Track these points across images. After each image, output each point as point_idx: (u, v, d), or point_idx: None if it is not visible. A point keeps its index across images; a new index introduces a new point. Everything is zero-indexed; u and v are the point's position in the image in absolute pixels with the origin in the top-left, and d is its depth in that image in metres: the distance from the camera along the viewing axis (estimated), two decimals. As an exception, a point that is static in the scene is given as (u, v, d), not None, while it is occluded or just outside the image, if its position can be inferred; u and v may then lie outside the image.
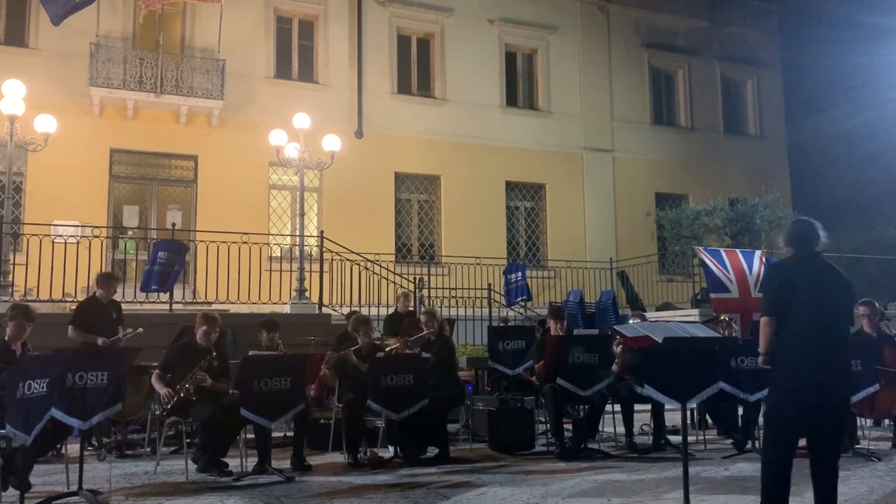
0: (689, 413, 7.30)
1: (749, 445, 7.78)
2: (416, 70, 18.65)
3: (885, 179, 22.21)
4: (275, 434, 7.27)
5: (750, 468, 6.75)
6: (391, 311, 11.47)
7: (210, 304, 12.42)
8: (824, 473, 4.49)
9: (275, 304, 12.29)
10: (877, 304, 8.58)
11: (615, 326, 8.14)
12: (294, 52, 17.59)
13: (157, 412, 6.94)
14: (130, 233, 15.50)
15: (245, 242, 12.03)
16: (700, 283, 14.98)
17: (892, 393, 7.96)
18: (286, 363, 6.85)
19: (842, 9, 21.45)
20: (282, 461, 6.98)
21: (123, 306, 8.84)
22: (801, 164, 22.88)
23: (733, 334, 9.77)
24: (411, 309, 11.62)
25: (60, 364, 5.42)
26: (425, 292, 14.10)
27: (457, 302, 14.17)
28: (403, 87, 18.33)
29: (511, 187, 19.11)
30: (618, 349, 8.46)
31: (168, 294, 11.50)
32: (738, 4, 22.50)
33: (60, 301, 11.03)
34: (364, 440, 7.65)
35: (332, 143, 13.57)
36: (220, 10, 15.31)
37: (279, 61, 17.27)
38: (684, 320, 9.90)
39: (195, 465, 6.57)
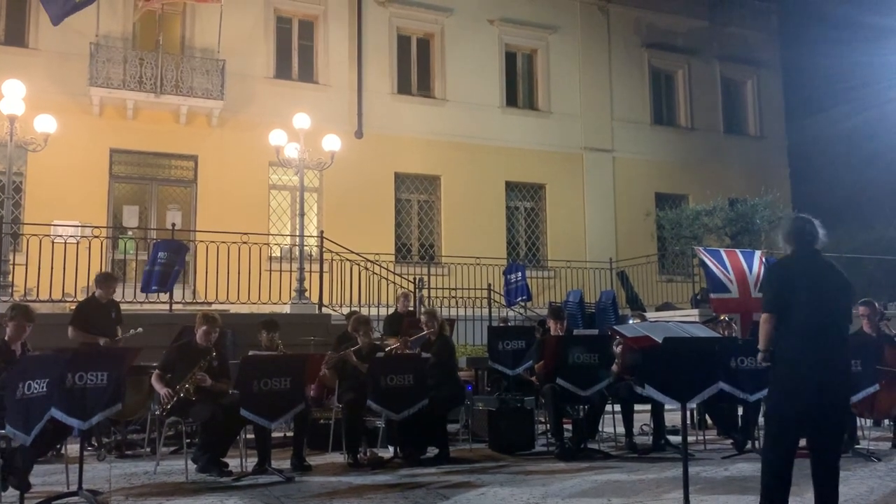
0: (688, 413, 7.30)
1: (749, 445, 7.78)
2: (415, 70, 18.65)
3: (885, 179, 22.21)
4: (275, 434, 7.27)
5: (750, 468, 6.75)
6: (391, 311, 11.48)
7: (210, 304, 12.42)
8: (825, 473, 4.49)
9: (275, 304, 12.29)
10: (876, 305, 8.58)
11: (615, 326, 8.15)
12: (294, 53, 17.59)
13: (157, 412, 6.94)
14: (130, 233, 15.50)
15: (245, 242, 12.03)
16: (700, 284, 14.98)
17: (892, 393, 7.96)
18: (286, 363, 6.85)
19: (842, 9, 21.46)
20: (282, 461, 6.98)
21: (123, 306, 8.84)
22: (801, 164, 22.88)
23: (733, 334, 9.77)
24: (411, 309, 11.63)
25: (60, 364, 5.43)
26: (425, 292, 14.09)
27: (457, 302, 14.17)
28: (403, 88, 18.34)
29: (511, 187, 19.11)
30: (618, 349, 8.46)
31: (168, 294, 11.49)
32: (738, 4, 22.50)
33: (60, 301, 11.03)
34: (364, 440, 7.65)
35: (331, 143, 13.57)
36: (220, 10, 15.32)
37: (279, 61, 17.28)
38: (684, 320, 9.90)
39: (195, 466, 6.57)
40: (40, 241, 10.72)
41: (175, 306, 11.89)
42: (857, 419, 7.99)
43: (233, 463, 6.74)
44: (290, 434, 7.71)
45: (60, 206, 13.87)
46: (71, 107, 14.56)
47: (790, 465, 4.50)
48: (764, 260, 11.02)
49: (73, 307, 8.83)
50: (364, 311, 10.70)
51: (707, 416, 9.25)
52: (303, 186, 13.66)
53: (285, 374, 6.61)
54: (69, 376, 5.38)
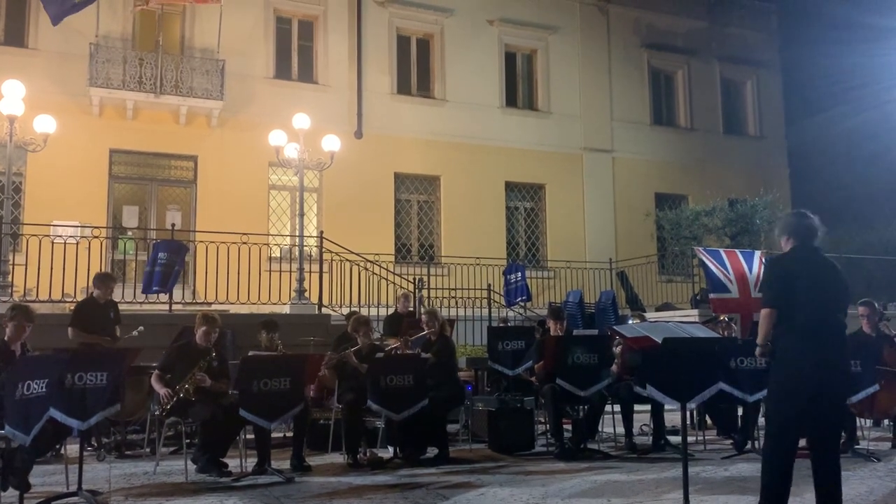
0: (688, 413, 7.30)
1: (748, 446, 7.78)
2: (415, 70, 18.65)
3: (885, 179, 22.22)
4: (274, 434, 7.28)
5: (749, 468, 6.75)
6: (391, 311, 11.49)
7: (210, 304, 12.42)
8: (826, 473, 4.48)
9: (274, 304, 12.28)
10: (876, 305, 8.58)
11: (615, 327, 8.15)
12: (294, 53, 17.59)
13: (157, 412, 6.94)
14: (130, 233, 15.50)
15: (245, 243, 12.03)
16: (700, 284, 14.98)
17: (892, 393, 7.96)
18: (286, 364, 6.85)
19: (841, 9, 21.47)
20: (281, 462, 6.97)
21: (123, 307, 8.85)
22: (801, 164, 22.88)
23: (732, 334, 9.77)
24: (411, 309, 11.64)
25: (60, 364, 5.43)
26: (425, 293, 14.09)
27: (456, 302, 14.16)
28: (403, 88, 18.34)
29: (511, 188, 19.11)
30: (617, 349, 8.46)
31: (168, 294, 11.49)
32: (738, 5, 22.52)
33: (60, 301, 11.02)
34: (364, 441, 7.65)
35: (331, 143, 13.56)
36: (220, 10, 15.32)
37: (279, 62, 17.28)
38: (684, 321, 9.90)
39: (195, 466, 6.57)
40: (40, 242, 10.72)
41: (175, 307, 11.88)
42: (857, 419, 7.99)
43: (232, 463, 6.74)
44: (289, 434, 7.71)
45: (60, 206, 13.86)
46: (70, 107, 14.56)
47: (790, 464, 4.50)
48: (763, 260, 11.02)
49: (72, 308, 8.83)
50: (364, 312, 10.70)
51: (707, 417, 9.25)
52: (302, 187, 13.66)
53: (285, 375, 6.60)
54: (68, 376, 5.38)
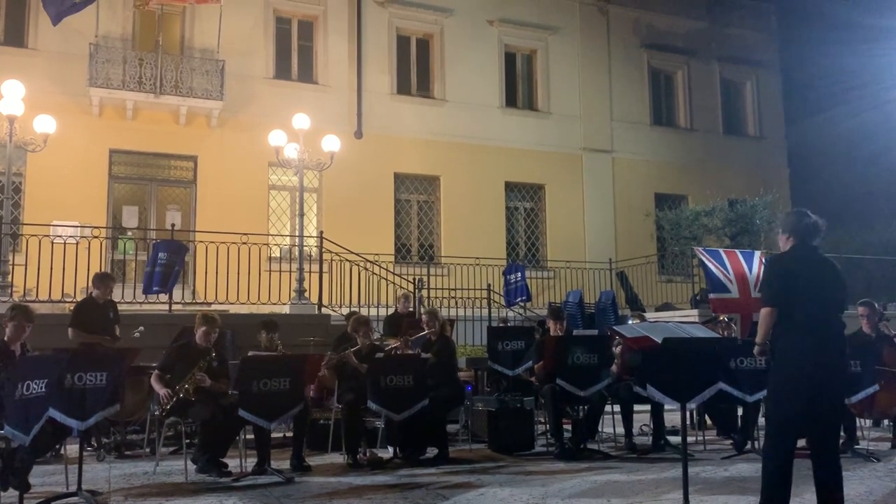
0: (688, 413, 7.30)
1: (748, 446, 7.77)
2: (415, 71, 18.66)
3: (885, 180, 22.21)
4: (274, 434, 7.28)
5: (749, 469, 6.75)
6: (391, 311, 11.49)
7: (209, 304, 12.42)
8: (827, 473, 4.48)
9: (274, 304, 12.28)
10: (876, 305, 8.58)
11: (614, 327, 8.14)
12: (293, 53, 17.59)
13: (157, 413, 6.94)
14: (130, 233, 15.50)
15: (244, 243, 12.02)
16: (700, 284, 14.98)
17: (892, 393, 7.96)
18: (285, 364, 6.85)
19: (841, 9, 21.47)
20: (281, 462, 6.97)
21: (123, 307, 8.86)
22: (801, 164, 22.88)
23: (732, 335, 9.76)
24: (411, 310, 11.64)
25: (59, 364, 5.42)
26: (425, 293, 14.09)
27: (456, 302, 14.16)
28: (403, 88, 18.34)
29: (510, 188, 19.11)
30: (617, 350, 8.46)
31: (167, 294, 11.49)
32: (738, 5, 22.53)
33: (60, 301, 11.02)
34: (363, 441, 7.65)
35: (331, 143, 13.56)
36: (220, 10, 15.32)
37: (279, 62, 17.28)
38: (683, 321, 9.90)
39: (194, 466, 6.57)
40: (40, 242, 10.71)
41: (175, 307, 11.88)
42: (857, 419, 7.99)
43: (232, 463, 6.73)
44: (289, 434, 7.70)
45: (60, 206, 13.86)
46: (70, 107, 14.56)
47: (790, 464, 4.49)
48: (763, 260, 11.02)
49: (72, 308, 8.84)
50: (363, 312, 10.69)
51: (707, 417, 9.25)
52: (302, 187, 13.65)
53: (285, 375, 6.60)
54: (68, 377, 5.38)
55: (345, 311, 11.37)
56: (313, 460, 7.25)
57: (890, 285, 16.74)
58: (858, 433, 8.00)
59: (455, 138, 18.17)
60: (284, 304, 12.49)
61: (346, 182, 16.49)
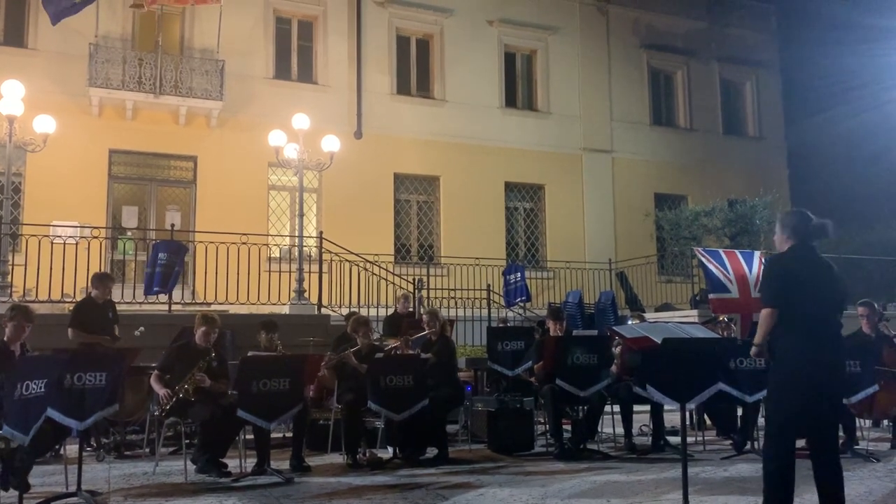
0: (687, 414, 7.30)
1: (748, 446, 7.78)
2: (415, 71, 18.66)
3: (885, 180, 22.20)
4: (274, 435, 7.28)
5: (749, 469, 6.75)
6: (390, 311, 11.49)
7: (209, 304, 12.42)
8: (827, 473, 4.48)
9: (274, 304, 12.28)
10: (876, 305, 8.58)
11: (614, 327, 8.15)
12: (293, 53, 17.59)
13: (156, 413, 6.94)
14: (129, 233, 15.50)
15: (244, 243, 12.02)
16: (699, 284, 14.98)
17: (891, 393, 7.97)
18: (285, 364, 6.85)
19: (841, 9, 21.46)
20: (281, 462, 6.97)
21: (122, 307, 8.87)
22: (800, 164, 22.88)
23: (732, 335, 9.76)
24: (411, 310, 11.64)
25: (59, 365, 5.42)
26: (424, 293, 14.09)
27: (456, 303, 14.15)
28: (403, 88, 18.34)
29: (510, 188, 19.11)
30: (617, 350, 8.46)
31: (167, 295, 11.49)
32: (738, 5, 22.53)
33: (59, 302, 11.01)
34: (363, 441, 7.65)
35: (331, 143, 13.56)
36: (220, 10, 15.31)
37: (278, 62, 17.28)
38: (683, 321, 9.90)
39: (194, 466, 6.56)
40: (39, 242, 10.71)
41: (174, 307, 11.88)
42: (857, 420, 7.99)
43: (232, 464, 6.73)
44: (289, 435, 7.71)
45: (59, 206, 13.85)
46: (70, 107, 14.56)
47: (792, 465, 4.49)
48: (763, 261, 11.02)
49: (71, 308, 8.84)
50: (363, 312, 10.69)
51: (706, 417, 9.25)
52: (302, 187, 13.65)
53: (284, 375, 6.60)
54: (68, 377, 5.38)
55: (344, 311, 11.38)
56: (313, 460, 7.25)
57: (890, 285, 16.74)
58: (858, 433, 8.00)
59: (455, 138, 18.17)
60: (284, 304, 12.49)
61: (345, 182, 16.49)
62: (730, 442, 8.27)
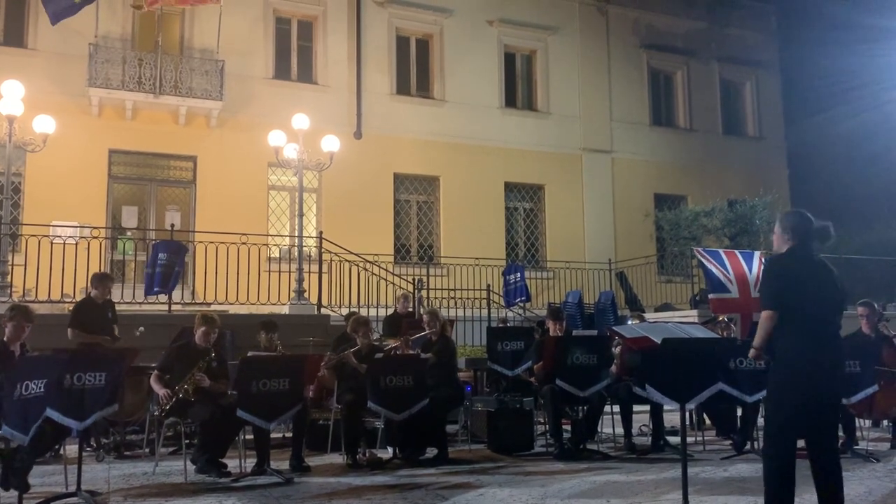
0: (687, 414, 7.30)
1: (748, 446, 7.78)
2: (415, 71, 18.66)
3: (885, 180, 22.21)
4: (274, 435, 7.28)
5: (749, 469, 6.75)
6: (390, 311, 11.49)
7: (209, 304, 12.43)
8: (827, 474, 4.47)
9: (273, 304, 12.27)
10: (875, 305, 8.58)
11: (614, 327, 8.15)
12: (293, 53, 17.59)
13: (156, 413, 6.94)
14: (129, 233, 15.50)
15: (244, 243, 12.01)
16: (699, 285, 14.99)
17: (891, 393, 7.97)
18: (285, 364, 6.85)
19: (841, 10, 21.45)
20: (280, 462, 6.97)
21: (122, 307, 8.87)
22: (800, 165, 22.88)
23: (731, 335, 9.76)
24: (410, 310, 11.64)
25: (58, 365, 5.42)
26: (424, 293, 14.09)
27: (456, 303, 14.15)
28: (402, 88, 18.34)
29: (510, 188, 19.11)
30: (617, 350, 8.46)
31: (167, 295, 11.48)
32: (737, 5, 22.52)
33: (59, 302, 11.01)
34: (363, 441, 7.65)
35: (330, 143, 13.56)
36: (220, 10, 15.31)
37: (278, 62, 17.28)
38: (683, 321, 9.90)
39: (194, 466, 6.56)
40: (39, 242, 10.71)
41: (174, 307, 11.88)
42: (856, 420, 7.99)
43: (232, 464, 6.73)
44: (288, 435, 7.71)
45: (59, 206, 13.84)
46: (70, 107, 14.56)
47: (793, 465, 4.48)
48: (763, 261, 11.02)
49: (71, 308, 8.84)
50: (363, 312, 10.70)
51: (706, 417, 9.25)
52: (302, 187, 13.65)
53: (284, 375, 6.60)
54: (67, 377, 5.38)
55: (344, 311, 11.38)
56: (313, 461, 7.25)
57: (890, 285, 16.74)
58: (858, 434, 8.00)
59: (454, 139, 18.17)
60: (284, 304, 12.49)
61: (345, 182, 16.49)
62: (729, 442, 8.27)
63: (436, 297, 14.33)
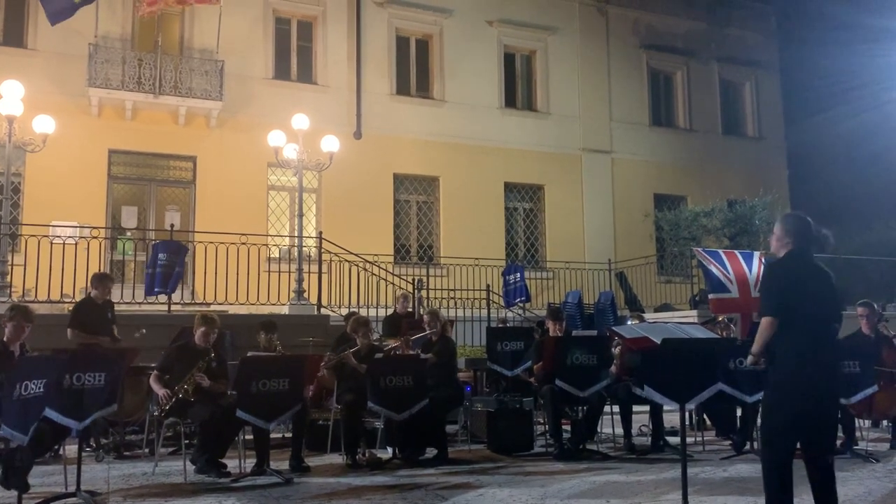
0: (687, 414, 7.30)
1: (747, 446, 7.78)
2: (414, 71, 18.65)
3: (884, 180, 22.23)
4: (273, 435, 7.28)
5: (748, 469, 6.75)
6: (390, 312, 11.49)
7: (209, 305, 12.42)
8: (822, 475, 4.48)
9: (273, 305, 12.27)
10: (875, 306, 8.58)
11: (613, 327, 8.15)
12: (293, 53, 17.59)
13: (156, 413, 6.94)
14: (129, 234, 15.49)
15: (244, 243, 12.01)
16: (699, 285, 14.99)
17: (891, 393, 7.98)
18: (284, 364, 6.85)
19: (841, 10, 21.45)
20: (280, 462, 6.97)
21: (122, 307, 8.87)
22: (800, 165, 22.89)
23: (731, 335, 9.76)
24: (410, 310, 11.64)
25: (58, 365, 5.42)
26: (424, 293, 14.09)
27: (455, 303, 14.15)
28: (402, 88, 18.33)
29: (510, 188, 19.11)
30: (616, 350, 8.46)
31: (167, 295, 11.48)
32: (737, 6, 22.52)
33: (59, 302, 11.01)
34: (362, 441, 7.65)
35: (330, 144, 13.56)
36: (219, 10, 15.31)
37: (278, 62, 17.28)
38: (683, 321, 9.90)
39: (193, 467, 6.57)
40: (39, 242, 10.71)
41: (174, 307, 11.87)
42: (856, 420, 7.99)
43: (231, 464, 6.73)
44: (288, 435, 7.71)
45: (59, 206, 13.84)
46: (69, 107, 14.55)
47: (790, 466, 4.49)
48: (763, 261, 11.02)
49: (71, 308, 8.84)
50: (363, 312, 10.70)
51: (706, 417, 9.25)
52: (301, 187, 13.65)
53: (284, 376, 6.60)
54: (67, 377, 5.37)
55: (344, 311, 11.39)
56: (312, 461, 7.25)
57: (889, 285, 16.75)
58: (857, 434, 8.00)
59: (454, 139, 18.17)
60: (283, 304, 12.49)
61: (345, 182, 16.49)
62: (729, 442, 8.27)
63: (435, 298, 14.33)
